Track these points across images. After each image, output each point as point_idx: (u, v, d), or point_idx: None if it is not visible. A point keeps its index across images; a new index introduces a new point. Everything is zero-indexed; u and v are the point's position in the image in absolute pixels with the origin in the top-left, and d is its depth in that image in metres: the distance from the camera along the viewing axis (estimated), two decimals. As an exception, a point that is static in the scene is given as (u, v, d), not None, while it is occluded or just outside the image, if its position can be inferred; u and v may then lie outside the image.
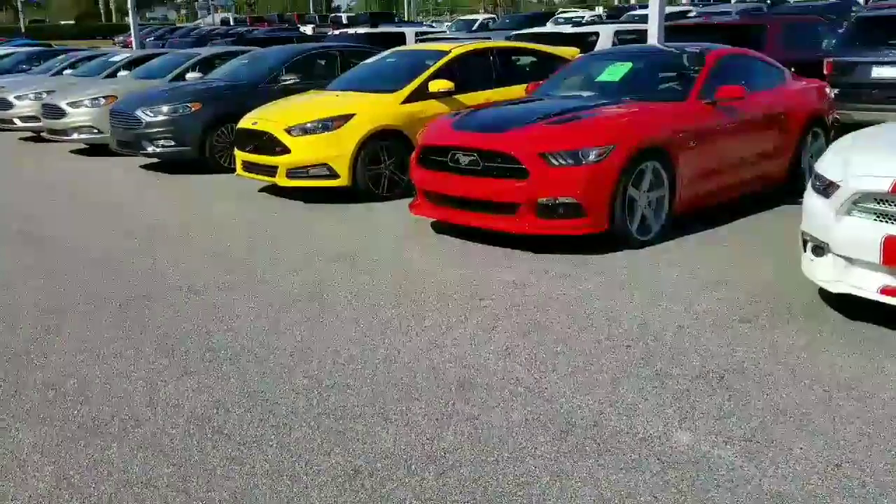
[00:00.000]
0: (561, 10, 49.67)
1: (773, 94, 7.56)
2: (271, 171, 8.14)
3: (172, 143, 10.09)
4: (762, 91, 7.19)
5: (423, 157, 6.56)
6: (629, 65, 7.31)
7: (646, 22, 17.01)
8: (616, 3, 57.25)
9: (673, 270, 5.50)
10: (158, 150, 10.21)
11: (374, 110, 8.11)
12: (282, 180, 8.07)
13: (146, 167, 10.93)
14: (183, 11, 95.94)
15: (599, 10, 42.37)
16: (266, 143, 8.18)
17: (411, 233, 6.80)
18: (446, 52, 8.80)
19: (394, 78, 8.83)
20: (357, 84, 9.00)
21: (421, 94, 8.37)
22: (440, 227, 6.79)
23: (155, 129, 10.12)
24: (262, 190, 8.86)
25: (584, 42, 14.51)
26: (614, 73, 7.27)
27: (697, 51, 7.32)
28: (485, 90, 8.82)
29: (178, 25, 45.40)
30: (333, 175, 7.93)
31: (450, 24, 36.99)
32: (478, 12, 64.54)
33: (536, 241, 6.07)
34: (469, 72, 8.98)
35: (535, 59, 9.72)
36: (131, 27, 22.56)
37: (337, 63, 11.15)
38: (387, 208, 7.82)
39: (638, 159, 5.96)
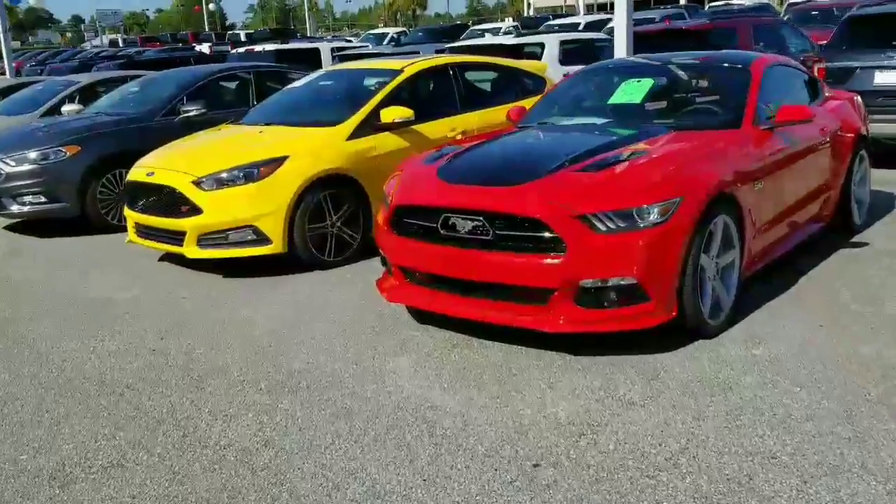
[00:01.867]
0: (472, 20, 48.43)
1: (822, 113, 6.01)
2: (176, 238, 6.07)
3: (43, 200, 7.81)
4: (811, 108, 5.60)
5: (399, 221, 4.66)
6: (650, 81, 5.59)
7: (567, 31, 15.74)
8: (510, 14, 56.62)
9: (786, 378, 3.78)
10: (25, 208, 7.89)
11: (312, 150, 6.15)
12: (191, 250, 6.01)
13: (10, 228, 8.59)
14: (68, 34, 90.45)
15: (508, 21, 41.19)
16: (167, 200, 6.11)
17: (387, 324, 4.86)
18: (398, 71, 6.91)
19: (333, 106, 6.91)
20: (284, 116, 7.00)
21: (371, 125, 6.46)
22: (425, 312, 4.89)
23: (18, 183, 7.79)
24: (163, 259, 6.74)
25: (528, 53, 12.97)
26: (633, 92, 5.54)
27: (738, 60, 5.69)
28: (450, 117, 6.99)
29: (60, 49, 41.77)
30: (262, 240, 5.92)
31: (354, 38, 35.05)
32: (377, 27, 62.65)
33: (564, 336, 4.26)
34: (428, 95, 7.14)
35: (499, 76, 7.94)
36: (2, 51, 19.61)
37: (251, 88, 9.07)
38: (339, 281, 5.86)
39: (708, 214, 4.23)
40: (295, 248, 5.97)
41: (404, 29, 35.73)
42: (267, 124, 6.83)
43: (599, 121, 5.47)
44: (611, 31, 19.73)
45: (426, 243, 4.44)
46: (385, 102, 6.56)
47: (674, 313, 4.15)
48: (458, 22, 55.08)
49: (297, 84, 7.73)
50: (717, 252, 4.40)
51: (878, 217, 6.83)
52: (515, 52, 12.57)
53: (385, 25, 74.54)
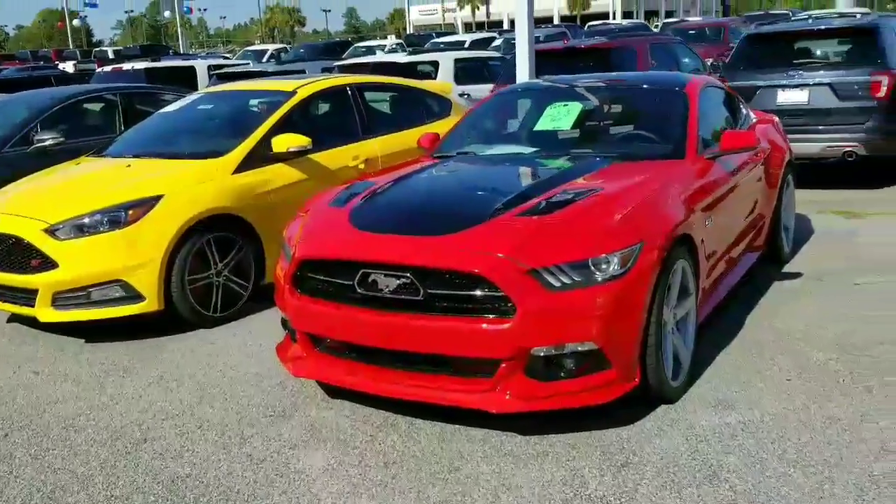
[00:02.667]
0: (352, 38, 47.53)
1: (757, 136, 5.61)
2: (26, 297, 5.02)
3: None
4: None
5: (305, 278, 3.85)
6: (578, 106, 5.00)
7: (453, 49, 15.29)
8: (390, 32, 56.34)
9: (773, 455, 3.22)
10: None
11: (192, 187, 5.23)
12: (45, 312, 4.97)
13: None
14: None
15: (392, 38, 40.71)
16: (14, 251, 5.05)
17: (291, 401, 4.02)
18: (290, 93, 6.08)
19: (216, 134, 6.02)
20: (157, 146, 6.03)
21: (261, 156, 5.60)
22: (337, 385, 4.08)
23: None
24: (12, 320, 5.64)
25: (420, 72, 12.35)
26: (560, 117, 4.94)
27: (672, 83, 5.20)
28: (351, 144, 6.22)
29: None
30: (133, 297, 4.95)
31: (230, 55, 33.54)
32: (253, 43, 60.78)
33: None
34: (326, 119, 6.36)
35: (402, 98, 7.23)
36: None
37: (118, 112, 7.98)
38: (229, 343, 4.96)
39: (668, 260, 3.65)
40: (174, 304, 5.04)
41: (285, 46, 34.61)
42: (136, 156, 5.85)
43: (526, 150, 4.83)
44: (504, 49, 19.57)
45: (340, 305, 3.65)
46: (277, 129, 5.73)
47: (636, 380, 3.52)
48: (338, 39, 54.12)
49: (171, 108, 6.75)
50: (674, 302, 3.83)
51: (799, 242, 6.53)
52: (408, 70, 11.94)
53: (262, 42, 72.64)
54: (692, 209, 4.02)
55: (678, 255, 3.74)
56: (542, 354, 3.34)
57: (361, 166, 6.20)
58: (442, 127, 6.98)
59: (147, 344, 4.96)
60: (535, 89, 5.69)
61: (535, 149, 4.82)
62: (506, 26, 39.65)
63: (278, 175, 5.62)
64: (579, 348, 3.35)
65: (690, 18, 27.80)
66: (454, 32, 43.38)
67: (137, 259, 4.89)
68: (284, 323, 4.09)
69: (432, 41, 26.39)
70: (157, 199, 5.05)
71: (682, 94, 4.90)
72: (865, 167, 9.14)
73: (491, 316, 3.34)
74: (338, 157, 6.06)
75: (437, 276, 3.42)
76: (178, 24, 60.15)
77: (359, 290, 3.57)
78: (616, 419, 3.56)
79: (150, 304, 4.96)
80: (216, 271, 5.24)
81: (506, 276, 3.31)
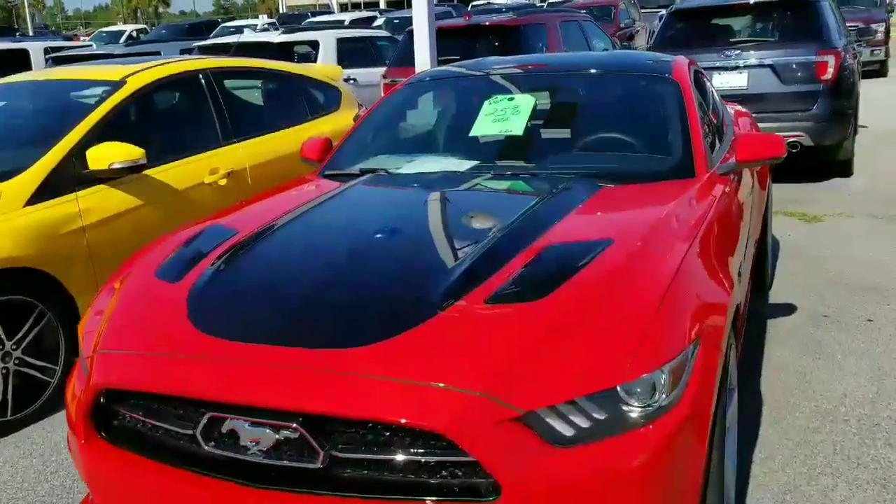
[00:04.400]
0: (221, 18, 44.18)
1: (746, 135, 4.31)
2: None
3: None
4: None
5: (110, 412, 2.20)
6: (530, 101, 3.50)
7: (334, 28, 13.56)
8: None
9: None
10: None
11: (-44, 230, 3.46)
12: None
13: None
14: None
15: (264, 18, 38.10)
16: None
17: None
18: (117, 84, 4.33)
19: (4, 146, 4.20)
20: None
21: (70, 177, 3.86)
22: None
23: None
24: None
25: (298, 54, 10.62)
26: (506, 117, 3.43)
27: (652, 66, 3.78)
28: (206, 151, 4.54)
29: None
30: None
31: (86, 38, 30.24)
32: (115, 25, 56.12)
33: None
34: (170, 119, 4.65)
35: (277, 87, 5.56)
36: None
37: None
38: (21, 466, 3.26)
39: (727, 357, 2.24)
40: (-70, 412, 3.28)
41: (145, 26, 31.60)
42: None
43: (463, 165, 3.31)
44: (389, 29, 17.86)
45: (170, 470, 2.04)
46: (96, 136, 4.00)
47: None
48: (206, 19, 50.70)
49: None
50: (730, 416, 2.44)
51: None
52: (283, 52, 10.18)
53: (125, 24, 67.62)
54: (726, 260, 2.63)
55: (729, 341, 2.35)
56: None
57: (222, 182, 4.55)
58: (331, 124, 5.41)
59: None
60: (462, 77, 4.12)
61: (474, 163, 3.31)
62: (382, 6, 37.77)
63: (98, 203, 3.90)
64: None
65: (577, -3, 26.92)
66: (329, 12, 41.07)
67: None
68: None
69: (308, 20, 24.36)
70: None
71: (671, 83, 3.51)
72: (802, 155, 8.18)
73: (451, 501, 1.83)
74: (188, 172, 4.38)
75: (350, 428, 1.87)
76: (26, 4, 54.84)
77: (205, 446, 1.98)
78: None
79: None
80: (2, 353, 3.49)
81: (479, 431, 1.80)
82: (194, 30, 25.03)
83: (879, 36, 15.79)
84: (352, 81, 10.37)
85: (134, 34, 27.68)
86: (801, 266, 5.34)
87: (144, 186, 4.12)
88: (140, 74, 4.46)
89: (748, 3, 8.33)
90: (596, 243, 2.32)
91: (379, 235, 2.55)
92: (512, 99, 3.54)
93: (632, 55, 4.35)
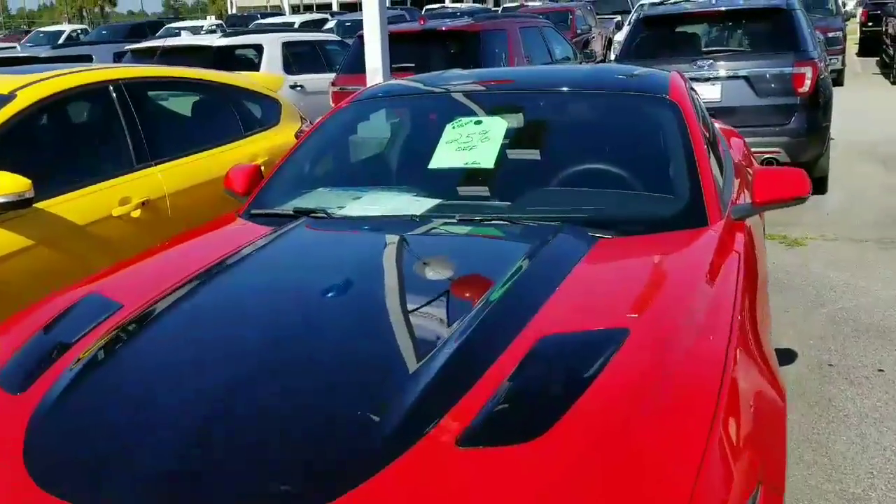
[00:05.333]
0: (170, 17, 42.64)
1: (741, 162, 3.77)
2: None
3: None
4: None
5: None
6: (501, 125, 2.87)
7: (281, 30, 12.80)
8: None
9: None
10: None
11: None
12: None
13: None
14: None
15: (211, 19, 36.98)
16: None
17: None
18: (5, 98, 3.58)
19: None
20: None
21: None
22: None
23: None
24: None
25: (240, 60, 9.89)
26: (473, 145, 2.81)
27: (646, 83, 3.19)
28: (116, 178, 3.84)
29: None
30: None
31: (25, 39, 28.84)
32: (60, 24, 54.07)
33: None
34: (70, 140, 3.93)
35: (206, 99, 4.86)
36: None
37: None
38: None
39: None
40: None
41: (85, 26, 30.28)
42: None
43: (421, 205, 2.67)
44: (339, 33, 17.14)
45: None
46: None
47: None
48: (153, 20, 49.05)
49: None
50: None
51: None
52: (225, 56, 9.46)
53: (69, 23, 65.42)
54: (766, 344, 2.04)
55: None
56: None
57: (136, 214, 3.85)
58: (269, 142, 4.75)
59: None
60: (418, 94, 3.46)
61: (434, 202, 2.68)
62: (335, 8, 36.94)
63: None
64: None
65: (531, 3, 26.56)
66: (280, 13, 40.05)
67: None
68: None
69: (256, 22, 23.51)
70: None
71: (669, 105, 2.92)
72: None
73: None
74: (91, 204, 3.67)
75: None
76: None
77: None
78: None
79: None
80: None
81: None
82: (137, 31, 23.99)
83: (838, 45, 15.66)
84: (298, 89, 9.69)
85: (74, 35, 26.49)
86: (792, 300, 4.84)
87: (34, 224, 3.40)
88: (34, 87, 3.73)
89: (721, 10, 7.88)
90: (606, 335, 1.71)
91: (310, 321, 1.90)
92: (479, 122, 2.92)
93: (618, 69, 3.75)
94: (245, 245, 2.41)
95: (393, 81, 4.11)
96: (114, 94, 4.04)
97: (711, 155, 2.86)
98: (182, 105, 4.69)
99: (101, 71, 4.12)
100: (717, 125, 4.25)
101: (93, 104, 4.05)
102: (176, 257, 2.45)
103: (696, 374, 1.60)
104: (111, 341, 1.89)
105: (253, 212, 2.87)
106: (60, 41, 24.48)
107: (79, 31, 27.36)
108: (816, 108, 7.19)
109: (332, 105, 8.74)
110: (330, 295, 2.01)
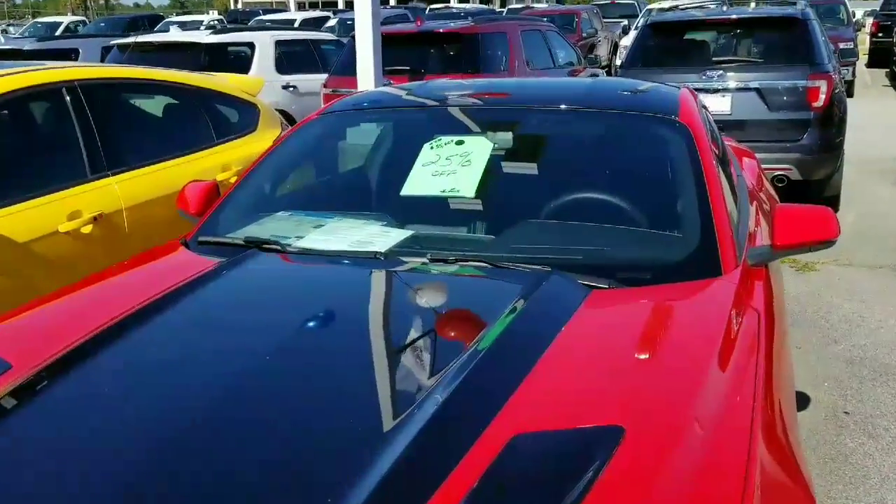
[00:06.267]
0: (176, 13, 42.21)
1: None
2: None
3: None
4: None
5: None
6: (485, 146, 2.51)
7: (279, 28, 12.43)
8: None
9: None
10: None
11: None
12: None
13: None
14: None
15: (213, 14, 36.63)
16: None
17: None
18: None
19: None
20: None
21: None
22: None
23: None
24: None
25: (230, 59, 9.53)
26: (453, 170, 2.46)
27: (654, 103, 2.82)
28: (66, 188, 3.49)
29: None
30: None
31: (21, 30, 28.43)
32: (65, 15, 53.65)
33: None
34: (9, 148, 3.57)
35: (176, 104, 4.50)
36: None
37: None
38: None
39: None
40: None
41: (83, 18, 29.89)
42: None
43: (389, 238, 2.30)
44: (339, 32, 16.77)
45: None
46: None
47: None
48: (161, 14, 48.52)
49: None
50: None
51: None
52: (217, 55, 9.11)
53: (73, 13, 65.07)
54: (793, 433, 1.68)
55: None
56: None
57: (86, 230, 3.49)
58: (243, 150, 4.42)
59: None
60: (397, 106, 3.05)
61: (403, 236, 2.31)
62: (341, 5, 36.50)
63: None
64: None
65: (537, 5, 26.24)
66: (286, 10, 39.63)
67: None
68: None
69: (256, 19, 23.16)
70: None
71: (678, 128, 2.55)
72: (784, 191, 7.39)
73: None
74: (35, 218, 3.32)
75: None
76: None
77: None
78: None
79: None
80: None
81: None
82: (135, 24, 23.66)
83: (852, 57, 15.36)
84: (291, 89, 9.35)
85: (72, 27, 26.17)
86: (804, 335, 4.48)
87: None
88: (-24, 87, 3.37)
89: (732, 18, 7.52)
90: (593, 435, 1.35)
91: (240, 394, 1.52)
92: (461, 143, 2.56)
93: (622, 84, 3.36)
94: (177, 286, 2.04)
95: (371, 90, 3.76)
96: (67, 97, 3.67)
97: (725, 185, 2.50)
98: (147, 109, 4.33)
99: (55, 71, 3.75)
100: (728, 143, 3.89)
101: (43, 107, 3.69)
102: (91, 299, 2.08)
103: (710, 495, 1.23)
104: (38, 376, 1.53)
105: (200, 240, 2.51)
106: (58, 33, 24.15)
107: (77, 23, 27.03)
108: (830, 124, 6.84)
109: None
110: (270, 353, 1.65)
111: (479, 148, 2.51)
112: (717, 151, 2.69)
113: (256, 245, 2.35)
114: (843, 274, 5.53)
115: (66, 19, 26.96)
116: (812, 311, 4.84)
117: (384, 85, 7.33)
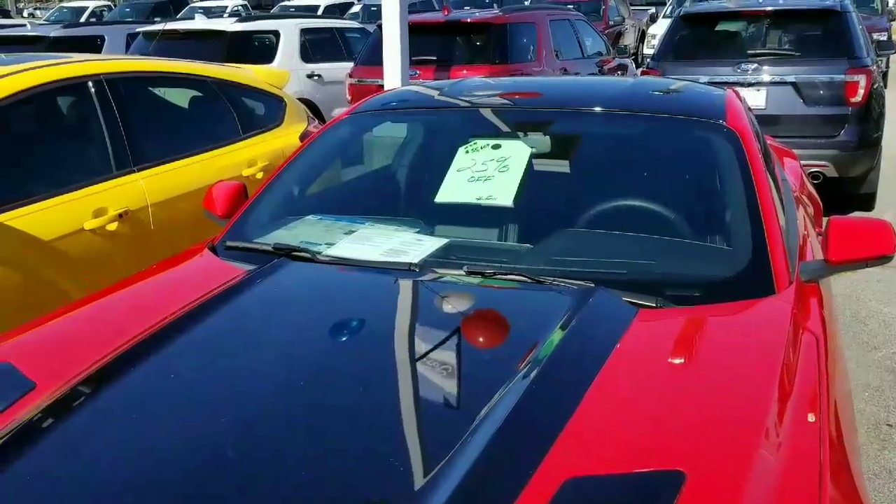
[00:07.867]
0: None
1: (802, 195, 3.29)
2: None
3: None
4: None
5: None
6: (524, 151, 2.41)
7: (303, 15, 12.32)
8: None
9: None
10: None
11: None
12: None
13: None
14: None
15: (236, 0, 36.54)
16: None
17: None
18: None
19: None
20: None
21: None
22: None
23: None
24: None
25: (255, 46, 9.45)
26: (490, 176, 2.36)
27: (698, 105, 2.71)
28: (92, 185, 3.42)
29: None
30: None
31: (48, 15, 28.46)
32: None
33: None
34: (34, 145, 3.51)
35: (196, 97, 4.42)
36: None
37: None
38: None
39: None
40: None
41: (109, 3, 29.97)
42: None
43: (422, 248, 2.20)
44: (363, 18, 16.65)
45: None
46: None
47: None
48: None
49: None
50: None
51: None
52: (240, 43, 9.02)
53: (100, -1, 65.14)
54: (852, 466, 1.57)
55: None
56: None
57: (112, 227, 3.43)
58: (270, 144, 4.34)
59: None
60: (428, 107, 2.92)
61: (437, 245, 2.22)
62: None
63: None
64: None
65: (563, -8, 25.83)
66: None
67: None
68: None
69: (281, 4, 23.06)
70: None
71: (727, 134, 2.43)
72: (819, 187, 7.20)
73: None
74: (60, 216, 3.26)
75: None
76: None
77: None
78: None
79: None
80: None
81: None
82: (159, 10, 23.66)
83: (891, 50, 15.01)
84: (316, 78, 9.26)
85: (98, 12, 26.22)
86: (841, 340, 4.34)
87: (-11, 239, 3.00)
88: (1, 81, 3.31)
89: (768, 9, 7.31)
90: (652, 481, 1.25)
91: (276, 419, 1.44)
92: (498, 147, 2.46)
93: (662, 84, 3.20)
94: (207, 297, 1.97)
95: (401, 89, 3.63)
96: (93, 91, 3.61)
97: (775, 195, 2.38)
98: (173, 103, 4.25)
99: (81, 64, 3.68)
100: (769, 142, 3.76)
101: (68, 103, 3.63)
102: (116, 311, 2.01)
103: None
104: (17, 434, 1.46)
105: (228, 244, 2.43)
106: (83, 18, 24.19)
107: (103, 8, 27.07)
108: (869, 120, 6.65)
109: (349, 98, 8.29)
110: (303, 376, 1.57)
111: (517, 152, 2.40)
112: (765, 159, 2.57)
113: (286, 253, 2.26)
114: (882, 276, 5.37)
115: (92, 3, 26.95)
116: (849, 315, 4.70)
117: (411, 76, 7.22)
